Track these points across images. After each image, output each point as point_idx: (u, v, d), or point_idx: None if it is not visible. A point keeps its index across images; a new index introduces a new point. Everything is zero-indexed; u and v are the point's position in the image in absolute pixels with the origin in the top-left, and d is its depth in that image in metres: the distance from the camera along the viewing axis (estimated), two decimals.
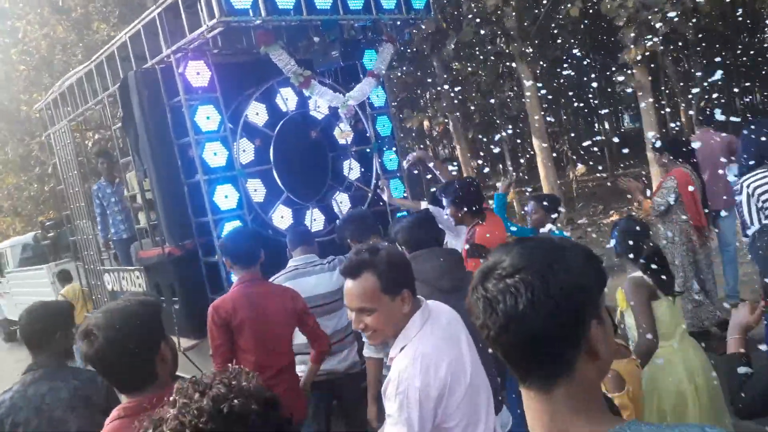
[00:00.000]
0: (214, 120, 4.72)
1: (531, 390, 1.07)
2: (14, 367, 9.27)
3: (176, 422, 1.15)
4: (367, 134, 5.86)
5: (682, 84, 16.19)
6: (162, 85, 4.78)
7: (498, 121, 16.28)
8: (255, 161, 5.30)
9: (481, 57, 12.35)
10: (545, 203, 4.49)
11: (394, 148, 6.09)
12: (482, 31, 11.61)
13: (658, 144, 5.33)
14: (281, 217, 5.37)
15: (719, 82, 16.65)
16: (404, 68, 13.01)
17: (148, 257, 5.22)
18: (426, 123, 14.14)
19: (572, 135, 20.15)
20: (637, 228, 2.95)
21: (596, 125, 28.08)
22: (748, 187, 3.37)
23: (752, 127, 3.52)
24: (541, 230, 4.44)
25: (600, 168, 19.65)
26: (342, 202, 5.85)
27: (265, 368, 3.20)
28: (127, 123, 5.06)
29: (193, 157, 4.67)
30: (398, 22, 5.36)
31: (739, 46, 20.01)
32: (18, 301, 11.75)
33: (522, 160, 17.50)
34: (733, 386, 2.07)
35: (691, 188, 4.83)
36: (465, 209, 4.00)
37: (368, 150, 5.93)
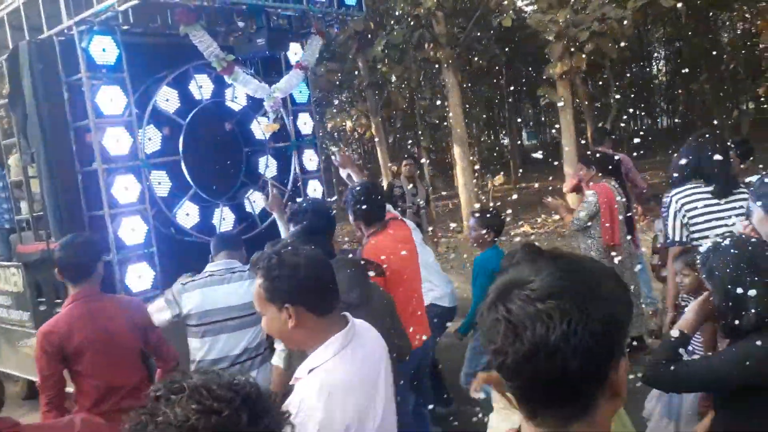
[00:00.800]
0: (119, 103, 4.25)
1: (542, 427, 0.96)
2: None
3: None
4: (287, 131, 5.54)
5: (587, 102, 16.94)
6: (60, 60, 4.24)
7: (419, 127, 16.34)
8: (161, 151, 4.85)
9: (410, 61, 12.26)
10: (486, 219, 4.20)
11: (314, 147, 5.82)
12: (413, 34, 11.52)
13: (582, 157, 5.30)
14: (186, 215, 4.94)
15: (616, 104, 17.58)
16: (327, 66, 12.68)
17: (29, 253, 4.64)
18: (349, 124, 13.84)
19: (481, 145, 20.68)
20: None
21: (496, 138, 29.05)
22: (676, 202, 3.38)
23: (691, 140, 3.51)
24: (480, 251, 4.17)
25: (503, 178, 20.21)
26: (255, 201, 5.48)
27: (115, 390, 2.94)
28: (14, 100, 4.45)
29: (91, 143, 4.18)
30: (327, 17, 5.09)
31: (633, 75, 21.43)
32: None
33: (426, 159, 17.73)
34: (661, 354, 2.16)
35: (616, 206, 4.84)
36: (363, 221, 3.43)
37: (287, 147, 5.61)
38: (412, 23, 11.45)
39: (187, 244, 4.81)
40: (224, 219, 5.20)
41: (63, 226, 4.32)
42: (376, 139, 13.72)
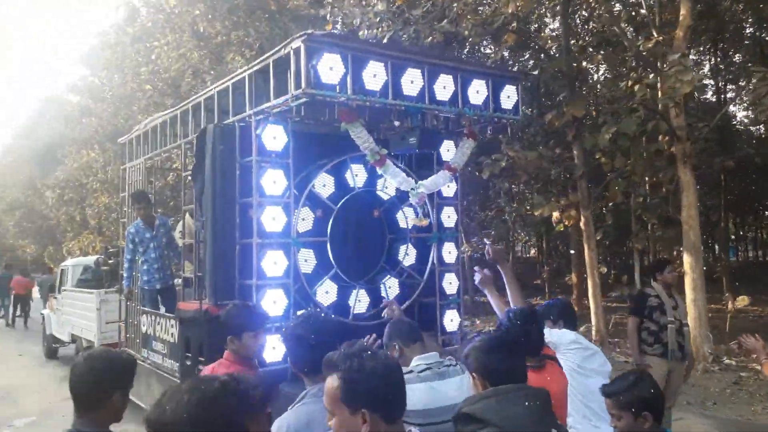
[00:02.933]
0: (280, 185, 4.68)
1: None
2: (56, 389, 9.27)
3: None
4: (431, 223, 5.69)
5: None
6: (237, 143, 4.79)
7: (634, 227, 14.74)
8: (312, 231, 5.22)
9: (638, 153, 11.05)
10: (635, 395, 2.80)
11: (454, 241, 5.90)
12: (647, 125, 10.38)
13: None
14: (326, 293, 5.21)
15: None
16: (541, 151, 11.80)
17: (186, 310, 5.12)
18: (556, 214, 12.33)
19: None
20: None
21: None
22: None
23: None
24: None
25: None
26: (391, 287, 5.64)
27: None
28: (196, 172, 5.10)
29: (252, 219, 4.62)
30: (481, 120, 5.27)
31: None
32: (64, 321, 11.91)
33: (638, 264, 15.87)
34: None
35: None
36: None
37: (428, 238, 5.75)
38: (646, 112, 10.45)
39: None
40: (359, 301, 5.39)
41: (217, 290, 4.76)
42: (584, 235, 12.19)
